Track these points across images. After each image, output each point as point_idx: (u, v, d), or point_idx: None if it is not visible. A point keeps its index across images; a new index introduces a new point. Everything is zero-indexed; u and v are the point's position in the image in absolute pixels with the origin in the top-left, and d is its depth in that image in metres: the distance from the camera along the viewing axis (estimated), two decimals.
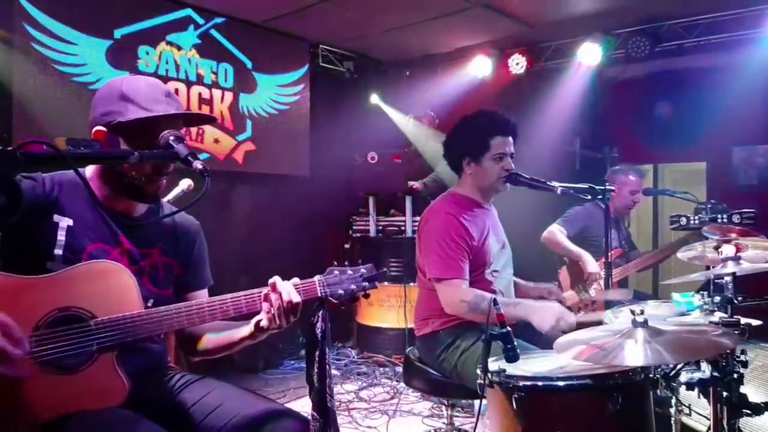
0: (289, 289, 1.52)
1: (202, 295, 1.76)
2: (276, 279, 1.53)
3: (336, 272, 1.62)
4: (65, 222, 1.51)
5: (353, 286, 1.62)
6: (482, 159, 2.49)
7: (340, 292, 1.60)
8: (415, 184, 4.96)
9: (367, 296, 1.65)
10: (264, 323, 1.53)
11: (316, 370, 1.57)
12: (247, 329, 1.59)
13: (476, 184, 2.56)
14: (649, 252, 3.95)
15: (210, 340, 1.69)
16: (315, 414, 1.56)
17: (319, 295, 1.58)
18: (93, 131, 1.54)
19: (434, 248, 2.39)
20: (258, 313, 1.54)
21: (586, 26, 4.99)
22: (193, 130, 4.72)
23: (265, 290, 1.53)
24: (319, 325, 1.57)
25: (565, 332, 2.01)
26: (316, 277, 1.61)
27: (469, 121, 2.57)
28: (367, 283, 1.63)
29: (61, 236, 1.49)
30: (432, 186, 4.90)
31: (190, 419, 1.58)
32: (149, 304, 1.57)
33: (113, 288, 1.46)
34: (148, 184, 1.57)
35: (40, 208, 1.49)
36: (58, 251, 1.48)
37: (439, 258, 2.37)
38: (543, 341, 2.29)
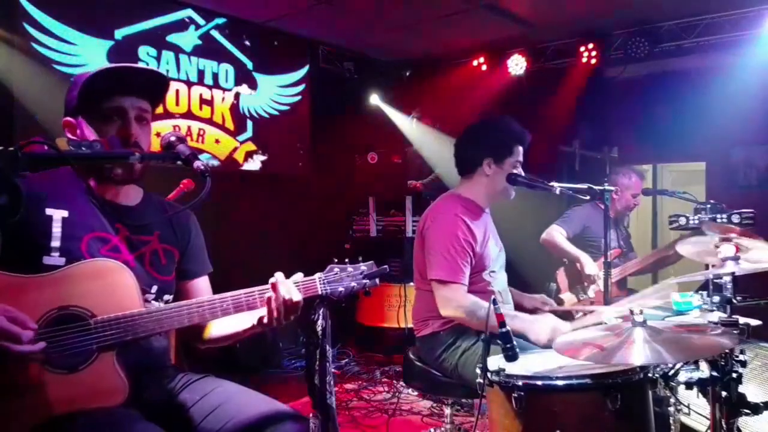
0: (289, 288, 1.52)
1: (204, 283, 1.78)
2: (278, 277, 1.53)
3: (336, 269, 1.61)
4: (60, 214, 1.51)
5: (353, 284, 1.60)
6: (504, 162, 2.50)
7: (341, 289, 1.59)
8: (418, 183, 4.96)
9: (367, 294, 1.64)
10: (265, 320, 1.54)
11: (316, 368, 1.57)
12: (249, 321, 1.60)
13: (488, 187, 2.54)
14: (647, 254, 3.95)
15: (215, 328, 1.71)
16: (315, 411, 1.56)
17: (320, 293, 1.58)
18: (62, 124, 1.60)
19: (440, 250, 2.37)
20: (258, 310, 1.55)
21: (585, 26, 4.99)
22: (194, 131, 4.73)
23: (266, 288, 1.53)
24: (319, 322, 1.56)
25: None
26: (317, 275, 1.60)
27: (496, 124, 2.58)
28: (367, 281, 1.62)
29: (57, 228, 1.49)
30: (432, 186, 4.90)
31: (191, 419, 1.58)
32: (152, 291, 1.59)
33: (113, 286, 1.46)
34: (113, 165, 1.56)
35: (30, 202, 1.48)
36: (55, 243, 1.48)
37: (444, 260, 2.35)
38: None
